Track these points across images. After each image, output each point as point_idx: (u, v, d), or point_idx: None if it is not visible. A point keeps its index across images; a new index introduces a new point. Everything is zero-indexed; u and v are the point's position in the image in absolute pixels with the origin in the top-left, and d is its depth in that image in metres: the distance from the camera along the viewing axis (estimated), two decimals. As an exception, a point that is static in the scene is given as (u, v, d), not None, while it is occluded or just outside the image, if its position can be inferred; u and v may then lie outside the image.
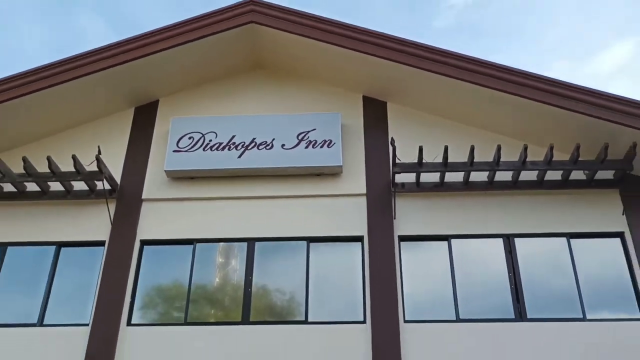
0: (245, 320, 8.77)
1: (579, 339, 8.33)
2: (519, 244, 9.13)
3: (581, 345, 8.27)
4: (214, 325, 8.84)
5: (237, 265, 9.31)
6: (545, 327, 8.46)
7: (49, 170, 9.26)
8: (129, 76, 10.05)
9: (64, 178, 9.37)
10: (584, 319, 8.53)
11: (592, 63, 33.71)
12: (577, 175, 9.33)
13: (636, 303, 8.65)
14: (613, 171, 9.28)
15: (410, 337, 8.40)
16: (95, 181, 9.45)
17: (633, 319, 8.51)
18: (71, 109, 10.20)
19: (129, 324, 8.80)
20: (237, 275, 9.21)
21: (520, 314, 8.62)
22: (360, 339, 8.45)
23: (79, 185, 9.63)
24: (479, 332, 8.45)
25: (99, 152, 9.12)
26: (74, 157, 9.12)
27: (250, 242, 9.34)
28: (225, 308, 9.13)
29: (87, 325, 8.75)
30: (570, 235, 9.14)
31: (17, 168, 9.36)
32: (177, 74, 10.46)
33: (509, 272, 8.92)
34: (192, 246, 9.35)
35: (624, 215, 9.14)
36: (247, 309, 8.86)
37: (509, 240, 9.16)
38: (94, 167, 9.29)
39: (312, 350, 8.42)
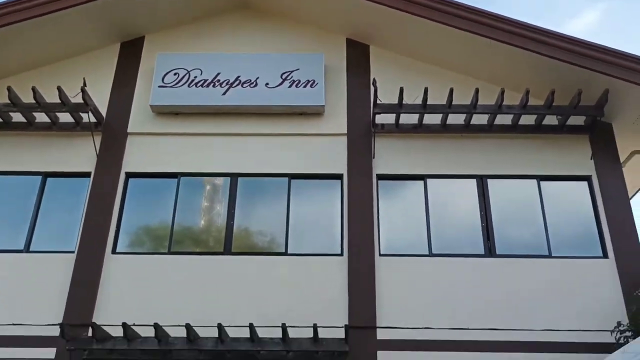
0: (227, 251, 8.97)
1: (544, 274, 8.68)
2: (492, 184, 9.38)
3: (546, 280, 8.61)
4: (196, 255, 9.00)
5: (222, 210, 9.37)
6: (513, 262, 8.78)
7: (34, 101, 9.23)
8: (114, 10, 9.95)
9: (49, 109, 9.37)
10: (549, 256, 8.86)
11: (563, 30, 33.86)
12: (550, 120, 9.53)
13: (599, 242, 8.98)
14: (584, 118, 9.52)
15: (385, 270, 8.70)
16: (81, 113, 9.44)
17: (594, 257, 8.87)
18: (56, 42, 10.11)
19: (114, 252, 8.94)
20: (221, 219, 9.29)
21: (490, 251, 8.91)
22: (337, 270, 8.70)
23: (65, 117, 9.62)
24: (450, 266, 8.76)
25: (85, 84, 9.12)
26: (59, 88, 9.06)
27: (233, 177, 9.48)
28: (209, 244, 9.28)
29: (73, 252, 8.87)
30: (541, 178, 9.40)
31: (3, 98, 9.31)
32: (164, 11, 10.37)
33: (480, 211, 9.19)
34: (176, 180, 9.48)
35: (592, 160, 9.43)
36: (229, 240, 9.04)
37: (482, 181, 9.40)
38: (79, 100, 9.27)
39: (290, 280, 8.65)
